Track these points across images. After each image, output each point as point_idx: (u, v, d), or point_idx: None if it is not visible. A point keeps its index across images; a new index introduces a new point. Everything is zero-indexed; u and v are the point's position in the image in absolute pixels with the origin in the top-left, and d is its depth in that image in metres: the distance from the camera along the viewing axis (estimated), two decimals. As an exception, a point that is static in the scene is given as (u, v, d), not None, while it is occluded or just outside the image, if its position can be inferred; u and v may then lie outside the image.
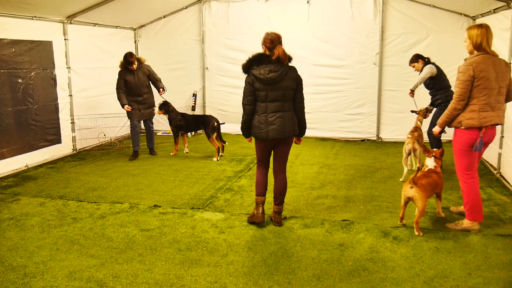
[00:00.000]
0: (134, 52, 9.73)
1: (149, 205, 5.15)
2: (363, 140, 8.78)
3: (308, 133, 8.79)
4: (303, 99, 4.44)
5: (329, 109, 8.92)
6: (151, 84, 7.56)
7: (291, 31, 8.71)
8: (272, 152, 4.56)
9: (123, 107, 7.24)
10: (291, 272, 3.54)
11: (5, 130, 6.41)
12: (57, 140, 7.53)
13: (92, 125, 8.08)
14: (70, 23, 7.58)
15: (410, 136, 6.07)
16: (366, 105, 8.69)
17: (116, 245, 4.08)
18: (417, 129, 6.22)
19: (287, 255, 3.85)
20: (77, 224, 4.60)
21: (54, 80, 7.38)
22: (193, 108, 9.64)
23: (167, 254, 3.88)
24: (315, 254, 3.85)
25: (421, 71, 6.46)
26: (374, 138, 8.75)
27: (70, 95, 7.76)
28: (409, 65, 6.72)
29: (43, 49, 7.09)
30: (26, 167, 6.83)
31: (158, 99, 7.78)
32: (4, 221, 4.70)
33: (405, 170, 6.04)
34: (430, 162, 4.66)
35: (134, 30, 9.69)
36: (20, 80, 6.65)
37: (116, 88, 7.21)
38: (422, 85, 6.48)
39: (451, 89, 6.38)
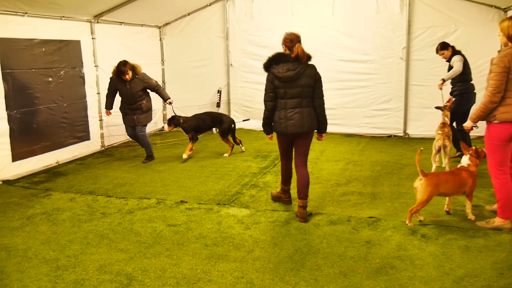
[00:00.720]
0: (160, 49, 9.89)
1: (175, 200, 5.22)
2: (389, 136, 8.66)
3: (333, 129, 8.88)
4: (323, 96, 4.52)
5: (355, 105, 8.82)
6: (148, 90, 7.06)
7: (315, 27, 8.68)
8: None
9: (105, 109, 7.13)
10: (317, 269, 3.53)
11: (36, 128, 6.60)
12: (86, 137, 7.70)
13: (120, 122, 8.20)
14: (97, 22, 7.73)
15: (440, 132, 5.97)
16: (393, 100, 8.56)
17: (144, 239, 4.15)
18: (445, 125, 6.11)
19: (313, 251, 3.84)
20: (106, 219, 4.70)
21: (83, 78, 7.54)
22: (218, 105, 9.70)
23: (194, 249, 3.93)
24: (341, 251, 3.83)
25: (449, 59, 6.43)
26: (401, 134, 8.61)
27: (98, 93, 7.92)
28: (437, 53, 6.60)
29: (71, 48, 7.25)
30: (57, 163, 7.01)
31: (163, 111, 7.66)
32: (37, 215, 4.84)
33: (434, 167, 5.93)
34: (464, 160, 4.52)
35: (159, 28, 9.80)
36: (50, 79, 6.82)
37: (107, 93, 7.06)
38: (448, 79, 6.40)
39: (471, 82, 6.37)
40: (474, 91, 6.45)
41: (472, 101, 6.46)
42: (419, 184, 4.25)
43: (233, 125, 7.47)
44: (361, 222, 4.45)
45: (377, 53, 8.50)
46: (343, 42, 8.69)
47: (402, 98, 8.47)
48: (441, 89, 6.49)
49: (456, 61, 6.28)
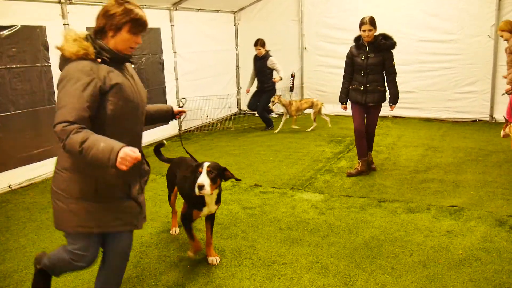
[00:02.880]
0: (235, 35, 9.95)
1: (250, 184, 5.31)
2: (474, 121, 8.12)
3: (411, 113, 8.52)
4: None
5: (436, 88, 8.36)
6: None
7: (394, 7, 8.31)
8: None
9: None
10: (394, 257, 3.44)
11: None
12: (165, 121, 8.03)
13: (196, 106, 8.47)
14: (176, 9, 7.98)
15: None
16: (479, 82, 8.00)
17: (220, 221, 4.28)
18: None
19: (390, 239, 3.73)
20: (185, 199, 4.90)
21: (162, 64, 7.86)
22: (291, 89, 9.65)
23: (268, 232, 3.99)
24: (420, 240, 3.68)
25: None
26: (487, 119, 8.04)
27: (176, 79, 8.21)
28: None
29: (152, 36, 7.57)
30: (139, 146, 7.42)
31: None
32: (122, 194, 5.17)
33: None
34: None
35: (234, 13, 9.89)
36: (133, 66, 7.16)
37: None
38: None
39: None
40: None
41: None
42: None
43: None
44: (442, 211, 4.24)
45: (462, 32, 7.97)
46: (425, 21, 8.23)
47: (489, 80, 7.89)
48: None
49: None
